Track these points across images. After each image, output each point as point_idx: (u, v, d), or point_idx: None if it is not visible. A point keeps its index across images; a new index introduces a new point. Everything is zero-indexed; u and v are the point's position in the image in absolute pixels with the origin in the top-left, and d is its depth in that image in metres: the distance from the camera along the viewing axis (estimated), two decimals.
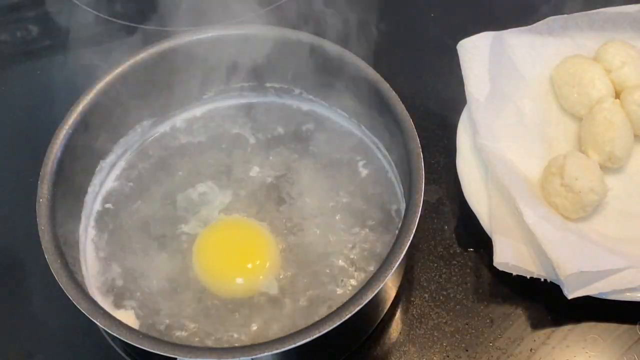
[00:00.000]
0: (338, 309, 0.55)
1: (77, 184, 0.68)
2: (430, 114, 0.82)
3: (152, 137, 0.75)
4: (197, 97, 0.75)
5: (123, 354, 0.65)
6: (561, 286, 0.65)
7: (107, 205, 0.70)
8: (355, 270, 0.65)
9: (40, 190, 0.62)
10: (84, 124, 0.66)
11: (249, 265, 0.65)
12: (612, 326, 0.67)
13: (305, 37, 0.70)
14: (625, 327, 0.67)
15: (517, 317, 0.68)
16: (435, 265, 0.72)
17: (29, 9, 0.96)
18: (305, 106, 0.75)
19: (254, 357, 0.54)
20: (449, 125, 0.78)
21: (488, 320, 0.68)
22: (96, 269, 0.66)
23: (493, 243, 0.68)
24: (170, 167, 0.72)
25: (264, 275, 0.64)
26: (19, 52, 0.92)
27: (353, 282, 0.64)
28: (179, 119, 0.76)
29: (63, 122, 0.65)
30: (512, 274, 0.67)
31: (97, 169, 0.70)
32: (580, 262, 0.64)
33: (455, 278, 0.71)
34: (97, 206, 0.70)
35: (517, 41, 0.81)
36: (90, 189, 0.69)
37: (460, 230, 0.74)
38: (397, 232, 0.59)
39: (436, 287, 0.71)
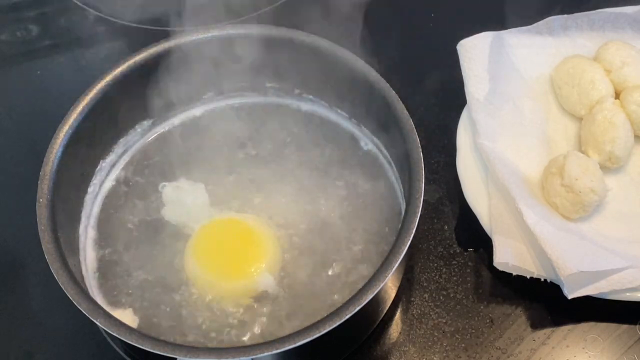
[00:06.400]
0: (338, 309, 0.55)
1: (77, 184, 0.68)
2: (430, 114, 0.82)
3: (152, 137, 0.75)
4: (197, 97, 0.75)
5: (123, 354, 0.65)
6: (561, 286, 0.65)
7: (107, 206, 0.70)
8: (355, 270, 0.65)
9: (40, 190, 0.62)
10: (84, 124, 0.66)
11: (245, 268, 0.65)
12: (612, 326, 0.68)
13: (305, 37, 0.70)
14: (625, 327, 0.67)
15: (517, 317, 0.68)
16: (435, 265, 0.72)
17: (29, 9, 0.96)
18: (305, 106, 0.75)
19: (254, 357, 0.54)
20: (449, 125, 0.78)
21: (488, 320, 0.68)
22: (96, 269, 0.66)
23: (493, 243, 0.68)
24: (170, 167, 0.72)
25: (262, 276, 0.64)
26: (19, 52, 0.92)
27: (353, 282, 0.64)
28: (179, 119, 0.76)
29: (63, 122, 0.65)
30: (512, 274, 0.67)
31: (97, 169, 0.70)
32: (580, 262, 0.64)
33: (455, 278, 0.71)
34: (97, 206, 0.70)
35: (517, 41, 0.81)
36: (90, 189, 0.69)
37: (460, 230, 0.74)
38: (397, 232, 0.59)
39: (436, 287, 0.71)
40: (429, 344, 0.67)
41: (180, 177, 0.71)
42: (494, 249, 0.67)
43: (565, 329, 0.68)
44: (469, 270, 0.71)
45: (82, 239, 0.67)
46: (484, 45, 0.78)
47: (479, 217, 0.70)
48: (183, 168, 0.72)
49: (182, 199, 0.69)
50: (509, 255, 0.66)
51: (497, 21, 0.83)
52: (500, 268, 0.67)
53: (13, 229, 0.75)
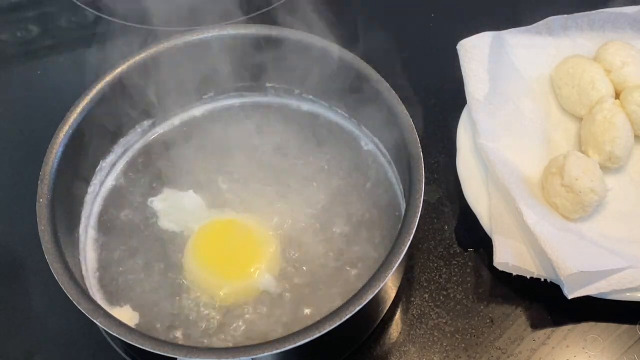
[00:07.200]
0: (338, 309, 0.55)
1: (77, 184, 0.68)
2: (430, 114, 0.82)
3: (152, 137, 0.75)
4: (197, 97, 0.75)
5: (123, 354, 0.65)
6: (561, 286, 0.65)
7: (107, 206, 0.70)
8: (355, 270, 0.65)
9: (40, 190, 0.62)
10: (83, 124, 0.66)
11: (244, 268, 0.65)
12: (612, 326, 0.68)
13: (305, 37, 0.70)
14: (625, 327, 0.67)
15: (517, 317, 0.68)
16: (435, 265, 0.72)
17: (29, 9, 0.96)
18: (305, 106, 0.76)
19: (254, 357, 0.54)
20: (449, 125, 0.78)
21: (488, 320, 0.68)
22: (96, 269, 0.66)
23: (493, 243, 0.68)
24: (170, 167, 0.72)
25: (261, 276, 0.64)
26: (19, 52, 0.92)
27: (352, 282, 0.64)
28: (179, 119, 0.76)
29: (63, 122, 0.65)
30: (512, 274, 0.67)
31: (97, 169, 0.70)
32: (580, 262, 0.64)
33: (455, 278, 0.71)
34: (97, 206, 0.70)
35: (517, 41, 0.81)
36: (90, 189, 0.69)
37: (460, 230, 0.74)
38: (397, 232, 0.59)
39: (436, 287, 0.71)
40: (429, 344, 0.67)
41: (179, 177, 0.71)
42: (494, 249, 0.67)
43: (565, 329, 0.68)
44: (469, 270, 0.71)
45: (82, 239, 0.67)
46: (484, 45, 0.78)
47: (479, 217, 0.70)
48: (183, 168, 0.72)
49: (181, 200, 0.69)
50: (509, 255, 0.66)
51: (497, 21, 0.82)
52: (500, 268, 0.67)
53: (13, 229, 0.75)
